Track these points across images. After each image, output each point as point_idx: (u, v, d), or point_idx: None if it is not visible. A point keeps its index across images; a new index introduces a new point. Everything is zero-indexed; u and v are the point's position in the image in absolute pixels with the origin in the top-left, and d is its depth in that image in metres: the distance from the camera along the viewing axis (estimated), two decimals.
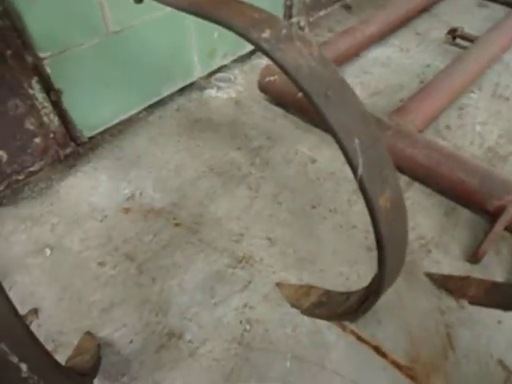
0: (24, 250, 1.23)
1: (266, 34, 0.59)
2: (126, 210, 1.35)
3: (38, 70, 1.28)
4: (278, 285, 1.14)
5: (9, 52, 1.17)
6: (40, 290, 1.13)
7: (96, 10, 1.33)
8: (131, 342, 1.03)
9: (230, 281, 1.16)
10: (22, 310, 1.08)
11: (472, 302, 1.01)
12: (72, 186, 1.44)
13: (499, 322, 1.07)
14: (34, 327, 1.05)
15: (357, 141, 0.57)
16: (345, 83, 0.61)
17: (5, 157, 1.32)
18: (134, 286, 1.15)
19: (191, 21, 1.68)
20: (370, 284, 0.78)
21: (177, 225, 1.31)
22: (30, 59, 1.25)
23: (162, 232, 1.29)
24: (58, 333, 1.04)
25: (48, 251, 1.22)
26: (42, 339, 1.01)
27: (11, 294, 1.10)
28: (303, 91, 0.56)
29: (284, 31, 0.60)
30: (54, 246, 1.24)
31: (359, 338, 1.04)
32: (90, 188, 1.43)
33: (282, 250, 1.24)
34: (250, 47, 2.10)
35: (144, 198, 1.40)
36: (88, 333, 1.03)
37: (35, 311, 1.07)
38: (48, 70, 1.30)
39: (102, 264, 1.20)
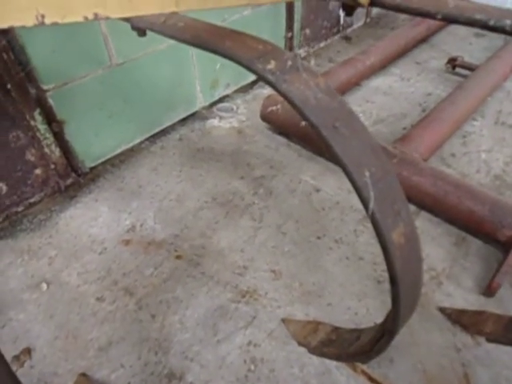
0: (20, 284, 1.19)
1: (271, 65, 0.58)
2: (126, 242, 1.32)
3: (40, 102, 1.28)
4: (284, 321, 1.09)
5: (12, 84, 1.18)
6: (35, 328, 1.08)
7: (100, 42, 1.35)
8: None
9: (234, 316, 1.11)
10: (15, 350, 1.03)
11: (490, 340, 0.95)
12: (72, 217, 1.41)
13: None
14: (26, 368, 0.99)
15: (367, 173, 0.55)
16: (353, 114, 0.59)
17: (4, 188, 1.30)
18: (133, 323, 1.10)
19: (194, 53, 1.70)
20: (384, 323, 0.74)
21: (178, 257, 1.27)
22: (33, 91, 1.25)
23: (162, 265, 1.24)
24: (52, 374, 0.99)
25: (45, 286, 1.18)
26: (34, 381, 0.97)
27: (5, 332, 1.07)
28: (310, 123, 0.54)
29: (289, 62, 0.59)
30: (52, 281, 1.20)
31: (371, 379, 0.98)
32: (90, 219, 1.40)
33: (287, 283, 1.19)
34: (252, 77, 2.13)
35: (145, 229, 1.36)
36: (83, 374, 0.97)
37: (28, 351, 1.02)
38: (51, 101, 1.30)
39: (100, 299, 1.15)
